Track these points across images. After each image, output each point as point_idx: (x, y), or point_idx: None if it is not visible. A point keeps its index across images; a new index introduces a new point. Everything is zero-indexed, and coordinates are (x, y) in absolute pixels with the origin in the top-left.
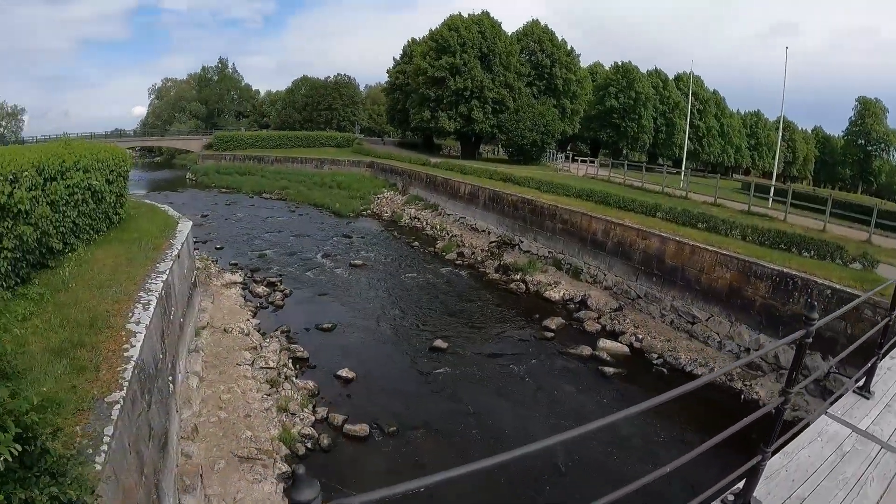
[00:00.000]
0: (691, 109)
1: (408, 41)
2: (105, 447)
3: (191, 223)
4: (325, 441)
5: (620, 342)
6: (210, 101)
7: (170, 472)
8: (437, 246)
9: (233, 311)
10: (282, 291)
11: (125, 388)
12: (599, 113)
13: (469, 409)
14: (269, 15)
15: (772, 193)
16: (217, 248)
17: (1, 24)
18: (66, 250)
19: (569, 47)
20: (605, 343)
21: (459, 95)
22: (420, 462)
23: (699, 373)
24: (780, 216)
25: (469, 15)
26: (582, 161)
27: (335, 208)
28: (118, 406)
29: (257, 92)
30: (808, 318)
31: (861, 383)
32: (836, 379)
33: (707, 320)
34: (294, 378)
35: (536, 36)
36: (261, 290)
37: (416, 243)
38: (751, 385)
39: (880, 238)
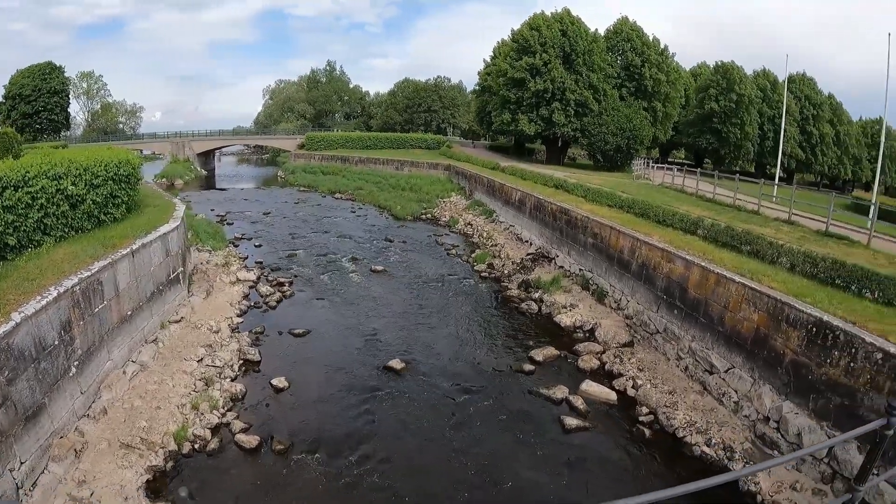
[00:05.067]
0: (803, 114)
1: (498, 42)
2: None
3: (177, 224)
4: (211, 446)
5: (612, 387)
6: (317, 102)
7: (34, 441)
8: (473, 255)
9: (221, 308)
10: (282, 293)
11: None
12: (698, 117)
13: (381, 443)
14: (391, 18)
15: (874, 212)
16: (256, 246)
17: (142, 29)
18: (32, 246)
19: (661, 46)
20: (588, 386)
21: (540, 97)
22: (283, 487)
23: (692, 441)
24: (865, 239)
25: (552, 13)
26: (659, 167)
27: (395, 210)
28: None
29: (367, 93)
30: (892, 408)
31: None
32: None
33: (726, 372)
34: (230, 380)
35: (625, 34)
36: (266, 289)
37: (456, 251)
38: (752, 472)
39: None
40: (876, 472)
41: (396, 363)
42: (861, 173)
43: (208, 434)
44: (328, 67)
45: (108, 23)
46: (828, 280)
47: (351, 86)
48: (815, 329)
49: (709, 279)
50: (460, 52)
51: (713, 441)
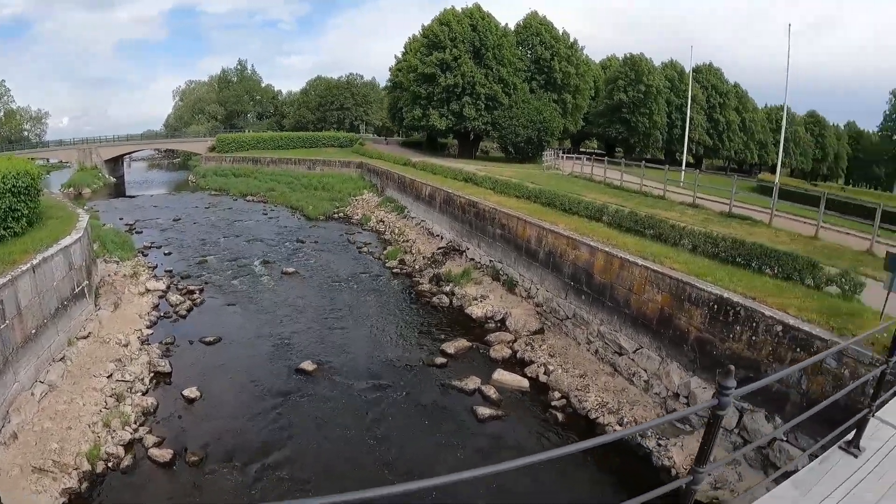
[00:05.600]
0: (710, 103)
1: (409, 38)
2: None
3: (79, 235)
4: (125, 463)
5: (524, 374)
6: (229, 102)
7: None
8: (385, 252)
9: (130, 320)
10: (193, 301)
11: None
12: (608, 108)
13: (296, 446)
14: (304, 15)
15: (775, 194)
16: (166, 254)
17: (47, 31)
18: None
19: (571, 40)
20: (500, 375)
21: (450, 92)
22: (198, 499)
23: (604, 421)
24: (767, 219)
25: (462, 9)
26: (568, 157)
27: (307, 211)
28: None
29: (279, 93)
30: (722, 388)
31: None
32: (780, 449)
33: (635, 352)
34: (141, 394)
35: (535, 28)
36: (175, 298)
37: (368, 249)
38: (666, 446)
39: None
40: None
41: (308, 365)
42: (767, 157)
43: (121, 451)
44: (239, 66)
45: (9, 24)
46: (728, 259)
47: (263, 85)
48: (716, 306)
49: (613, 264)
50: (374, 49)
51: (625, 420)
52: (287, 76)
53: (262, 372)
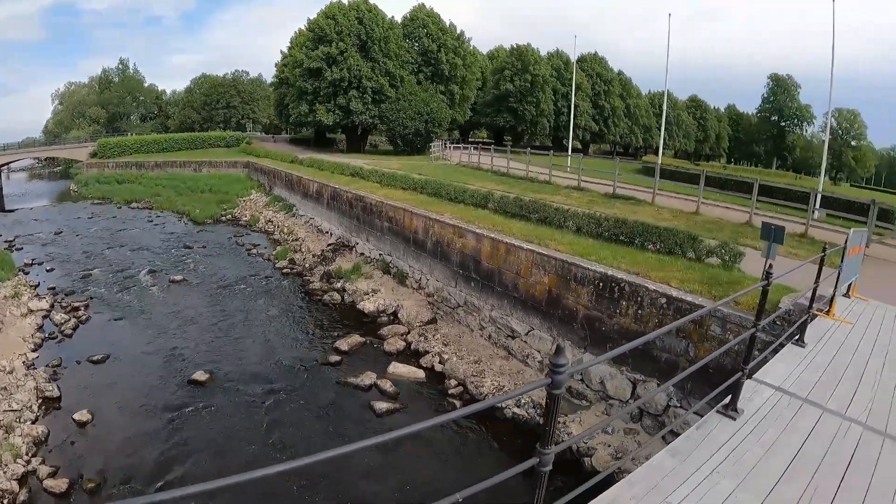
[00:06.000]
0: (595, 90)
1: (295, 32)
2: None
3: None
4: (21, 498)
5: (419, 365)
6: (110, 104)
7: None
8: (274, 253)
9: (13, 344)
10: (78, 318)
11: None
12: (495, 98)
13: (194, 459)
14: (189, 11)
15: (657, 174)
16: (48, 270)
17: None
18: None
19: (458, 31)
20: (395, 368)
21: (337, 86)
22: None
23: (503, 405)
24: (650, 198)
25: (349, 1)
26: (456, 147)
27: (194, 215)
28: None
29: (163, 92)
30: (555, 367)
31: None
32: (675, 415)
33: (527, 334)
34: (31, 422)
35: (421, 21)
36: (60, 317)
37: (257, 250)
38: (564, 422)
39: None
40: None
41: (201, 375)
42: (652, 140)
43: (15, 486)
44: (121, 66)
45: None
46: (612, 237)
47: (146, 85)
48: (602, 284)
49: (500, 249)
50: (262, 45)
51: (522, 401)
52: (173, 76)
53: (154, 387)
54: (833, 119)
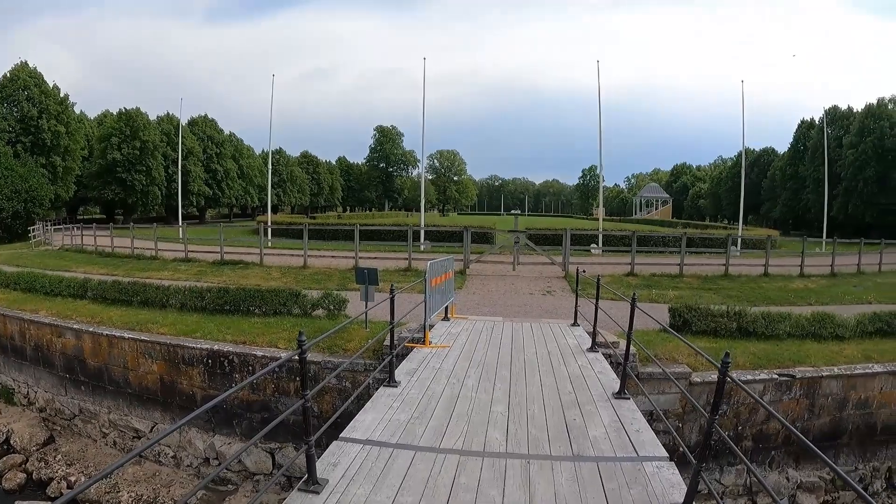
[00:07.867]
0: (207, 153)
1: None
2: None
3: None
4: None
5: (48, 496)
6: None
7: None
8: None
9: None
10: None
11: None
12: (102, 168)
13: None
14: None
15: (261, 233)
16: None
17: None
18: None
19: (62, 94)
20: None
21: None
22: None
23: None
24: (259, 259)
25: None
26: (57, 229)
27: None
28: None
29: None
30: None
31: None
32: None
33: (151, 431)
34: None
35: (23, 82)
36: None
37: None
38: None
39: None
40: None
41: None
42: (267, 199)
43: None
44: None
45: None
46: (217, 309)
47: None
48: (210, 360)
49: (102, 343)
50: None
51: None
52: None
53: None
54: (435, 160)
